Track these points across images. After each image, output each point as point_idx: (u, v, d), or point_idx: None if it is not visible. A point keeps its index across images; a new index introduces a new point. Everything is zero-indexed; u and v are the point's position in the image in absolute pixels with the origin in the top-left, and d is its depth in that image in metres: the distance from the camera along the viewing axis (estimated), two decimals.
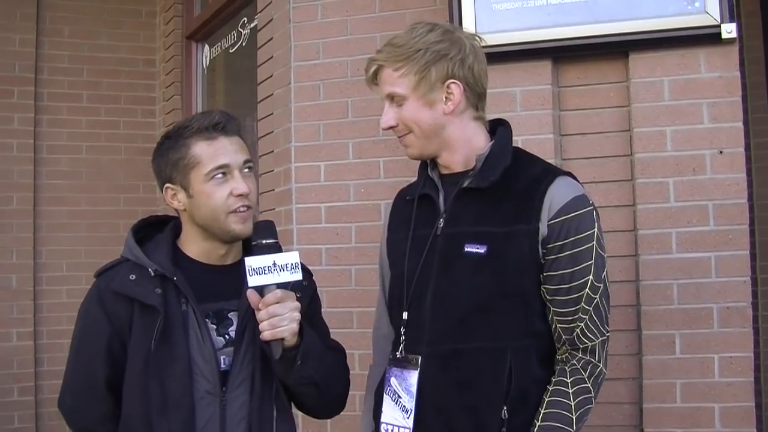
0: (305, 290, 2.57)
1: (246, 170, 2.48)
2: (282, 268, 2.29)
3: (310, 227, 4.21)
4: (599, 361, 2.47)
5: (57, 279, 6.75)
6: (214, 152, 2.43)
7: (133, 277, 2.44)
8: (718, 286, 3.54)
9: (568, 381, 2.43)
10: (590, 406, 2.46)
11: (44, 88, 6.88)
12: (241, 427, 2.44)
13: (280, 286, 2.33)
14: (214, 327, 2.48)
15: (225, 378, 2.44)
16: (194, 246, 2.55)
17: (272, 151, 4.58)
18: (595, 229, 2.42)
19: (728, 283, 3.54)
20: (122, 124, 7.07)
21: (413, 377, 2.47)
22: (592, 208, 2.44)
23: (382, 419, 2.56)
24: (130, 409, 2.45)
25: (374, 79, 2.51)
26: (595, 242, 2.41)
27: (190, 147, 2.44)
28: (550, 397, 2.42)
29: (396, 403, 2.52)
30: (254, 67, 4.95)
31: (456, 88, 2.44)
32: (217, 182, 2.43)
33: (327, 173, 4.23)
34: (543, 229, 2.39)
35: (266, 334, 2.32)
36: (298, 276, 2.33)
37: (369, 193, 4.15)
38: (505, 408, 2.38)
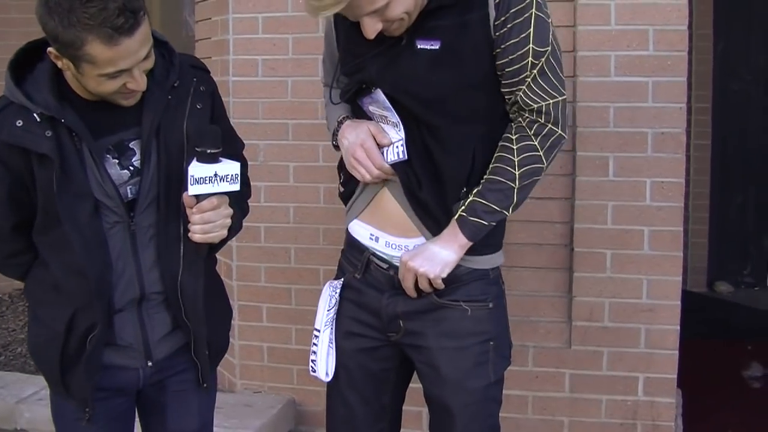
0: (202, 96, 2.43)
1: (145, 59, 2.22)
2: (222, 179, 2.23)
3: (245, 38, 4.10)
4: (549, 122, 2.43)
5: None
6: (113, 57, 2.13)
7: (20, 123, 2.23)
8: (653, 111, 3.58)
9: (513, 138, 2.42)
10: (539, 165, 2.43)
11: None
12: (151, 246, 2.40)
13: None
14: (116, 161, 2.34)
15: (132, 206, 2.36)
16: (80, 89, 2.32)
17: None
18: None
19: (664, 109, 3.58)
20: None
21: (381, 94, 2.44)
22: None
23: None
24: (53, 258, 2.39)
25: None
26: (534, 9, 2.34)
27: (85, 43, 2.10)
28: (496, 153, 2.43)
29: (385, 124, 2.50)
30: None
31: None
32: (111, 77, 2.18)
33: None
34: (492, 12, 2.33)
35: (197, 237, 2.29)
36: (236, 187, 2.26)
37: None
38: (464, 190, 2.42)
